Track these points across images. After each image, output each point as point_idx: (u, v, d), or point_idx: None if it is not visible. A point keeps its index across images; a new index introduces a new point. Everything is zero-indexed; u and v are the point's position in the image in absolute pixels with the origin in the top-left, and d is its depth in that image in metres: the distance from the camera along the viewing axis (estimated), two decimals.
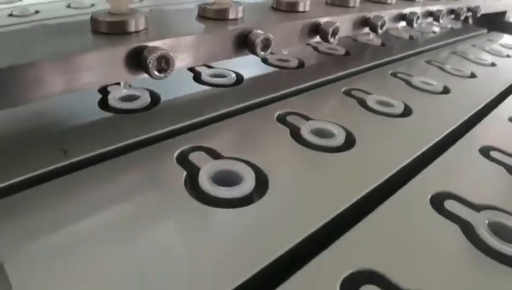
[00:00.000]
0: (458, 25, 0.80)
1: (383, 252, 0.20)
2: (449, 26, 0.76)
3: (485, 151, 0.31)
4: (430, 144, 0.30)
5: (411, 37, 0.64)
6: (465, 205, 0.24)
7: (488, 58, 0.58)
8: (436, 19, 0.60)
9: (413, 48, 0.57)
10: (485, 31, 0.81)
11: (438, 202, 0.24)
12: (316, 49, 0.51)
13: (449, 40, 0.66)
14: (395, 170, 0.27)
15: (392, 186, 0.25)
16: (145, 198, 0.22)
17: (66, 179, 0.23)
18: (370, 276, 0.19)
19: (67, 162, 0.24)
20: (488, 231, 0.22)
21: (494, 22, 0.89)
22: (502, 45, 0.69)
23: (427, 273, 0.19)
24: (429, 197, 0.24)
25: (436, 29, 0.72)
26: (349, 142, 0.29)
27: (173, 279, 0.17)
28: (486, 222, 0.23)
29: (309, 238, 0.20)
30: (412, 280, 0.18)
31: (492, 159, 0.30)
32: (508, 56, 0.62)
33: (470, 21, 0.91)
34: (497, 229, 0.23)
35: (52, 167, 0.23)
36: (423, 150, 0.30)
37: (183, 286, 0.17)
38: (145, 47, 0.26)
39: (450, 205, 0.24)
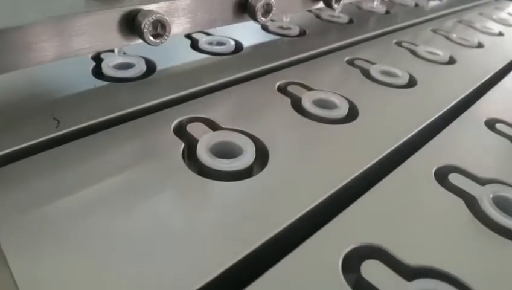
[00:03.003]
0: None
1: (386, 226, 0.20)
2: None
3: (491, 124, 0.30)
4: (435, 116, 0.30)
5: (416, 5, 0.61)
6: (470, 179, 0.24)
7: (496, 27, 0.56)
8: None
9: (418, 16, 0.55)
10: None
11: (442, 175, 0.24)
12: (318, 16, 0.49)
13: (456, 8, 0.64)
14: (398, 143, 0.26)
15: (396, 159, 0.25)
16: (143, 170, 0.21)
17: (59, 149, 0.22)
18: (373, 251, 0.18)
19: (60, 133, 0.23)
20: (492, 205, 0.22)
21: None
22: (509, 14, 0.67)
23: (429, 248, 0.19)
24: (434, 170, 0.24)
25: None
26: (352, 113, 0.29)
27: (170, 252, 0.17)
28: (491, 195, 0.23)
29: (311, 212, 0.20)
30: (414, 255, 0.18)
31: (498, 132, 0.30)
32: None
33: None
34: (501, 203, 0.22)
35: (45, 138, 0.22)
36: (428, 122, 0.29)
37: (181, 259, 0.17)
38: (140, 10, 0.25)
39: (454, 178, 0.24)
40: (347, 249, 0.18)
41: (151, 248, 0.17)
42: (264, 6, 0.30)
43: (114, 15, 0.24)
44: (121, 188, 0.20)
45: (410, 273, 0.17)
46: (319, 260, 0.17)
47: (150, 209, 0.19)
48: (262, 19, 0.31)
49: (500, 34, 0.54)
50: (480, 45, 0.48)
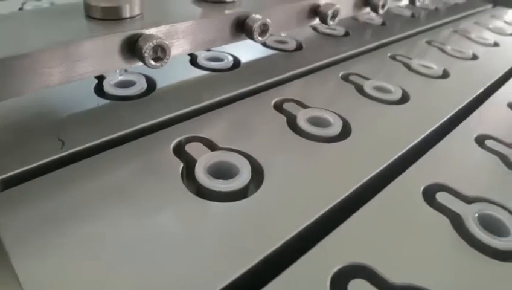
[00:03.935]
0: (463, 0, 0.78)
1: (373, 246, 0.21)
2: (453, 1, 0.74)
3: (481, 140, 0.31)
4: (425, 133, 0.31)
5: (413, 15, 0.62)
6: (457, 197, 0.25)
7: (491, 37, 0.57)
8: None
9: (414, 26, 0.56)
10: (490, 6, 0.79)
11: (430, 194, 0.25)
12: (314, 29, 0.50)
13: (452, 18, 0.64)
14: (389, 161, 0.27)
15: (386, 177, 0.26)
16: (143, 191, 0.22)
17: (64, 171, 0.23)
18: (359, 270, 0.19)
19: (64, 154, 0.24)
20: (476, 224, 0.23)
21: None
22: (506, 22, 0.68)
23: (413, 267, 0.20)
24: (422, 189, 0.25)
25: (440, 5, 0.71)
26: (345, 131, 0.30)
27: (167, 271, 0.18)
28: (476, 215, 0.24)
29: (302, 231, 0.21)
30: (399, 273, 0.19)
31: (488, 149, 0.31)
32: (511, 34, 0.61)
33: None
34: (486, 221, 0.23)
35: (51, 159, 0.24)
36: (418, 139, 0.30)
37: (177, 278, 0.18)
38: (141, 35, 0.26)
39: (441, 197, 0.25)
40: (335, 269, 0.19)
41: (149, 263, 0.18)
42: (260, 26, 0.31)
43: (116, 39, 0.25)
44: (122, 207, 0.21)
45: None
46: (308, 280, 0.18)
47: (149, 229, 0.20)
48: (259, 38, 0.32)
49: (496, 44, 0.55)
50: (474, 57, 0.49)
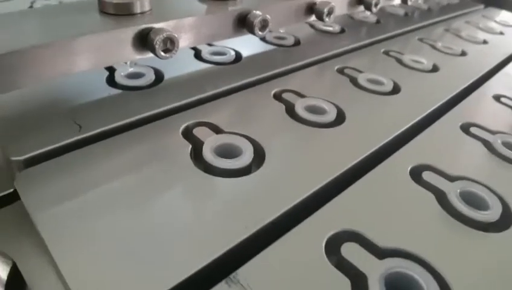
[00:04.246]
0: (456, 0, 0.81)
1: (364, 215, 0.23)
2: (446, 1, 0.77)
3: (466, 128, 0.34)
4: (414, 121, 0.33)
5: (406, 14, 0.65)
6: (441, 176, 0.27)
7: (481, 35, 0.60)
8: None
9: (407, 25, 0.59)
10: (482, 6, 0.82)
11: (416, 173, 0.27)
12: (312, 26, 0.52)
13: (444, 17, 0.67)
14: (379, 145, 0.29)
15: (377, 158, 0.28)
16: (156, 168, 0.25)
17: (84, 150, 0.25)
18: (351, 235, 0.22)
19: (82, 136, 0.26)
20: (459, 199, 0.25)
21: None
22: (496, 22, 0.70)
23: (400, 234, 0.22)
24: (409, 168, 0.27)
25: (433, 4, 0.73)
26: (340, 118, 0.32)
27: (180, 237, 0.20)
28: (458, 191, 0.26)
29: (301, 203, 0.23)
30: (386, 239, 0.21)
31: (472, 135, 0.33)
32: (500, 33, 0.63)
33: None
34: (467, 196, 0.26)
35: (71, 140, 0.26)
36: (407, 126, 0.32)
37: (190, 243, 0.20)
38: (151, 28, 0.28)
39: (427, 175, 0.27)
40: (330, 234, 0.21)
41: (163, 235, 0.20)
42: (261, 21, 0.34)
43: (129, 33, 0.28)
44: (137, 183, 0.23)
45: (382, 253, 0.21)
46: (307, 241, 0.21)
47: (163, 201, 0.22)
48: (260, 33, 0.34)
49: (485, 42, 0.58)
50: (463, 53, 0.51)
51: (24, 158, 0.24)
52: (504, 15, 0.77)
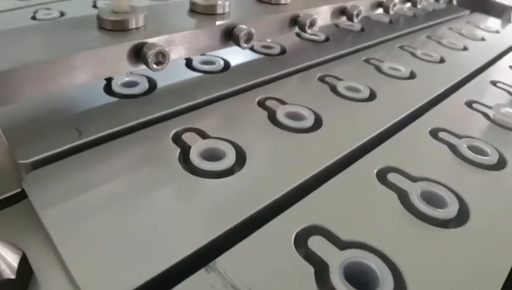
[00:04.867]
0: (442, 6, 0.83)
1: (330, 212, 0.26)
2: (431, 8, 0.80)
3: (435, 133, 0.37)
4: (386, 126, 0.36)
5: (391, 21, 0.68)
6: (405, 177, 0.30)
7: (462, 42, 0.62)
8: (414, 4, 0.64)
9: (390, 32, 0.62)
10: (468, 12, 0.85)
11: (383, 174, 0.30)
12: (298, 35, 0.55)
13: (428, 24, 0.70)
14: (352, 148, 0.32)
15: (348, 161, 0.31)
16: (148, 171, 0.28)
17: (83, 154, 0.28)
18: (318, 229, 0.25)
19: (82, 141, 0.29)
20: (419, 198, 0.28)
21: (479, 2, 0.92)
22: (479, 28, 0.72)
23: (361, 228, 0.25)
24: (376, 170, 0.30)
25: (418, 11, 0.76)
26: (317, 124, 0.35)
27: (168, 230, 0.23)
28: (419, 190, 0.29)
29: (276, 201, 0.26)
30: (349, 232, 0.24)
31: (440, 139, 0.36)
32: (482, 39, 0.66)
33: (454, 1, 0.94)
34: (427, 196, 0.29)
35: (72, 145, 0.29)
36: (379, 131, 0.35)
37: (176, 235, 0.23)
38: (145, 43, 0.31)
39: (392, 177, 0.30)
40: (299, 228, 0.24)
41: (153, 230, 0.23)
42: (246, 35, 0.37)
43: (125, 47, 0.31)
44: (130, 185, 0.26)
45: (343, 245, 0.24)
46: (278, 234, 0.24)
47: (153, 200, 0.25)
48: (245, 45, 0.37)
49: (465, 48, 0.60)
50: (442, 60, 0.54)
51: (31, 161, 0.27)
52: (489, 21, 0.80)
